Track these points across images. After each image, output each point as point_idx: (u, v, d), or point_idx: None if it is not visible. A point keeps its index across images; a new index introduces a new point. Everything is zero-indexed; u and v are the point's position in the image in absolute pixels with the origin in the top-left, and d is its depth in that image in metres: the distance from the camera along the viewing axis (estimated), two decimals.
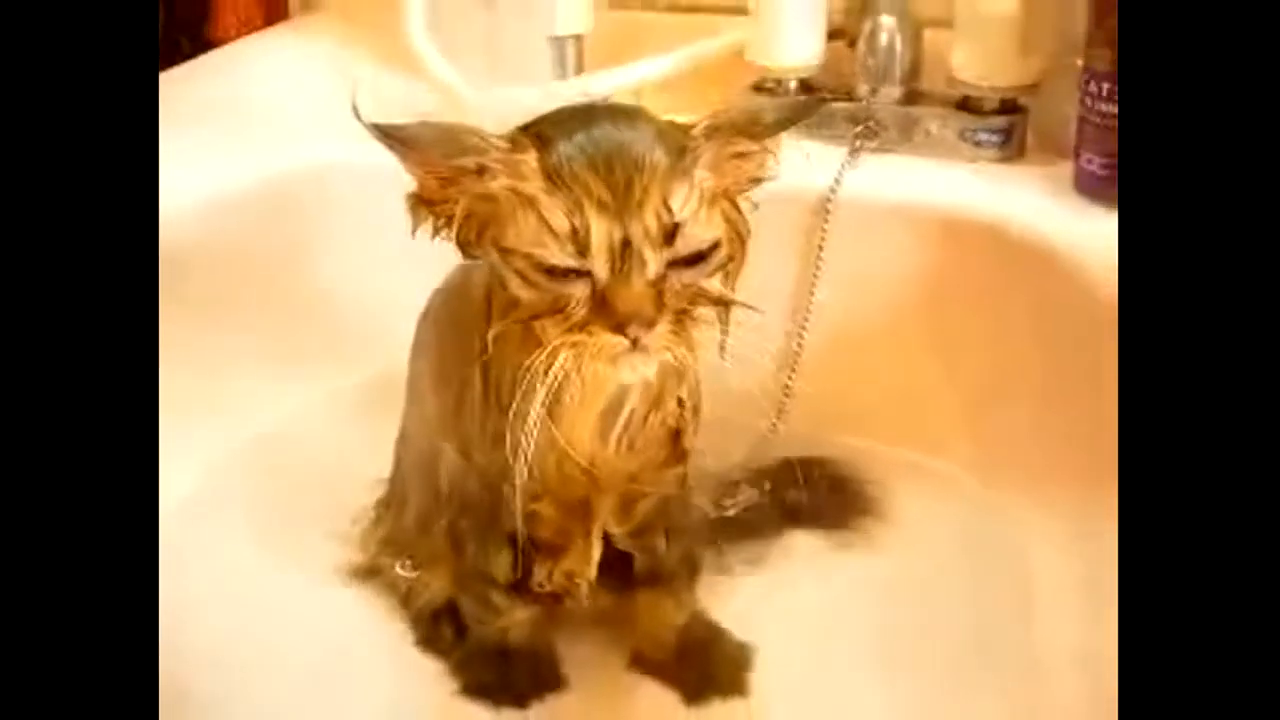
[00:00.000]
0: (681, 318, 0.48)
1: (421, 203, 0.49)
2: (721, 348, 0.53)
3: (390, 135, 0.47)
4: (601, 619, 0.67)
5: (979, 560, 0.72)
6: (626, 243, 0.46)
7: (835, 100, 0.52)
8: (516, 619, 0.64)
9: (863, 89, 0.79)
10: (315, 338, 0.84)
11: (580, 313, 0.46)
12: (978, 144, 0.77)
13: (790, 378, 0.80)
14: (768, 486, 0.78)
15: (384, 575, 0.70)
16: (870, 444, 0.80)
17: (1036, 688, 0.63)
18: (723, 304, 0.50)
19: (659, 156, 0.46)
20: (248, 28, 0.96)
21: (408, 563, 0.69)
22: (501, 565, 0.62)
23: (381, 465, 0.73)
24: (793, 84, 0.81)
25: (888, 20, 0.77)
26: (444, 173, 0.48)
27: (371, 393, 0.80)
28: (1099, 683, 0.59)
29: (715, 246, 0.48)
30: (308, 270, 0.85)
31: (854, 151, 0.78)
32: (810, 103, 0.52)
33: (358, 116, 0.47)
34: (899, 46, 0.77)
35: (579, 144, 0.46)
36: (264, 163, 0.83)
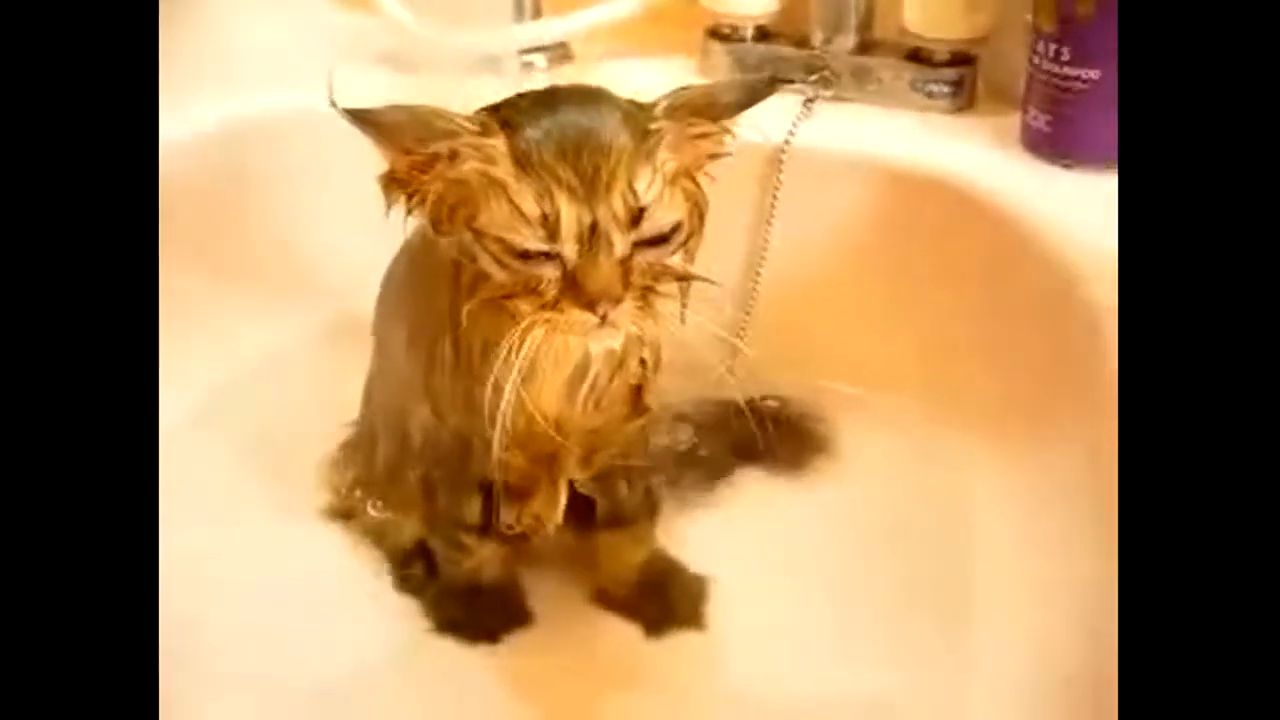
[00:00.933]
0: (646, 293, 0.50)
1: (394, 182, 0.51)
2: (681, 319, 0.55)
3: (364, 121, 0.48)
4: (566, 557, 0.71)
5: (926, 496, 0.76)
6: (594, 226, 0.48)
7: (782, 81, 0.54)
8: (485, 558, 0.67)
9: (818, 37, 0.80)
10: (286, 277, 0.85)
11: (551, 292, 0.49)
12: (929, 95, 0.79)
13: (745, 321, 0.83)
14: (721, 425, 0.81)
15: (356, 516, 0.73)
16: (822, 384, 0.83)
17: (980, 621, 0.67)
18: (685, 279, 0.52)
19: (624, 141, 0.48)
20: None
21: (379, 504, 0.72)
22: (472, 510, 0.65)
23: (349, 407, 0.75)
24: (749, 30, 0.82)
25: None
26: (417, 157, 0.49)
27: (341, 333, 0.82)
28: (1038, 615, 0.64)
29: (678, 227, 0.50)
30: (276, 211, 0.85)
31: (809, 101, 0.79)
32: (767, 83, 0.54)
33: (332, 103, 0.48)
34: None
35: (546, 129, 0.48)
36: (230, 106, 0.83)
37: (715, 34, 0.83)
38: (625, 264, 0.49)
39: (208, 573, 0.69)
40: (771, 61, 0.81)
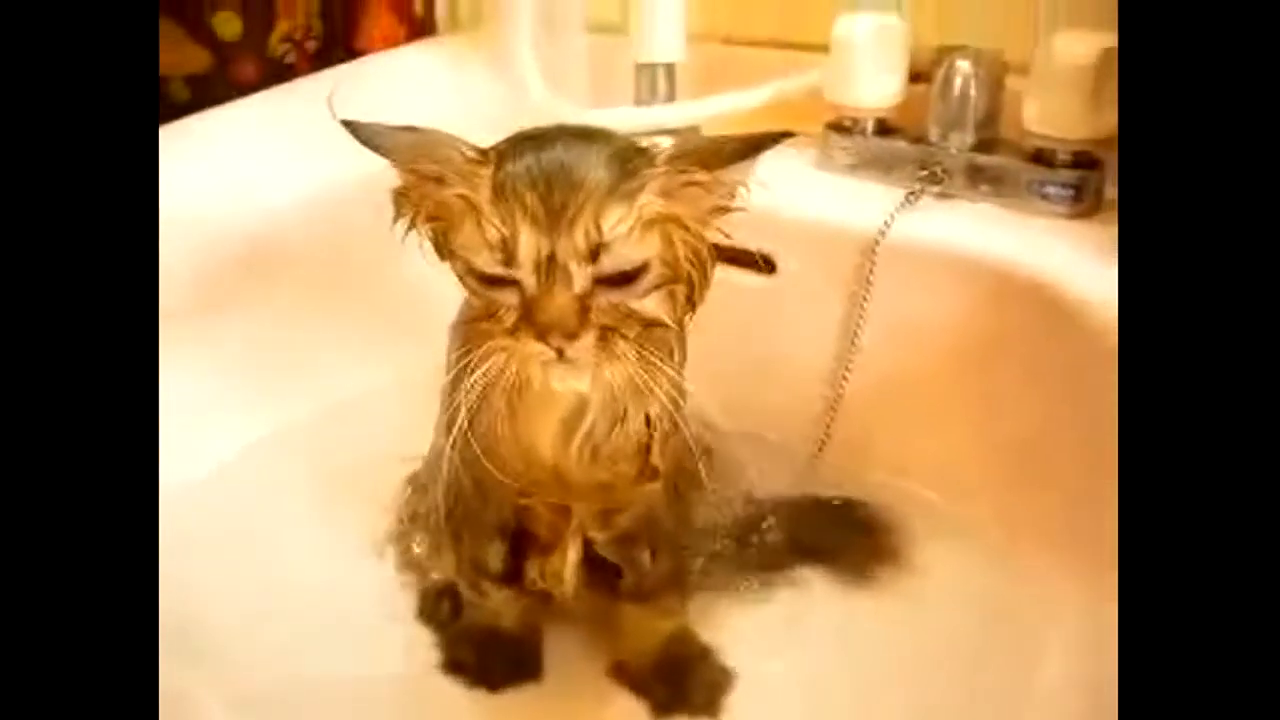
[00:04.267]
0: (609, 334, 0.50)
1: (403, 199, 0.54)
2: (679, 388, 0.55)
3: (362, 136, 0.52)
4: (595, 621, 0.69)
5: (992, 624, 0.70)
6: (553, 257, 0.48)
7: (788, 135, 0.52)
8: (502, 603, 0.67)
9: (935, 133, 0.78)
10: (401, 324, 0.90)
11: (510, 319, 0.50)
12: (1045, 197, 0.74)
13: (831, 415, 0.80)
14: (791, 515, 0.78)
15: (404, 548, 0.75)
16: (902, 486, 0.78)
17: None
18: (652, 324, 0.51)
19: (600, 177, 0.49)
20: (389, 42, 1.05)
21: (424, 539, 0.74)
22: (494, 556, 0.65)
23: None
24: (869, 123, 0.81)
25: (963, 65, 0.76)
26: (414, 176, 0.52)
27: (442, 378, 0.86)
28: None
29: (644, 268, 0.50)
30: (401, 263, 0.91)
31: (912, 195, 0.77)
32: (769, 136, 0.52)
33: (333, 114, 0.52)
34: (973, 92, 0.76)
35: (527, 163, 0.49)
36: (372, 161, 0.90)
37: (836, 127, 0.82)
38: (584, 300, 0.49)
39: (250, 579, 0.73)
40: (885, 156, 0.80)
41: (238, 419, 0.82)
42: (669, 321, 0.52)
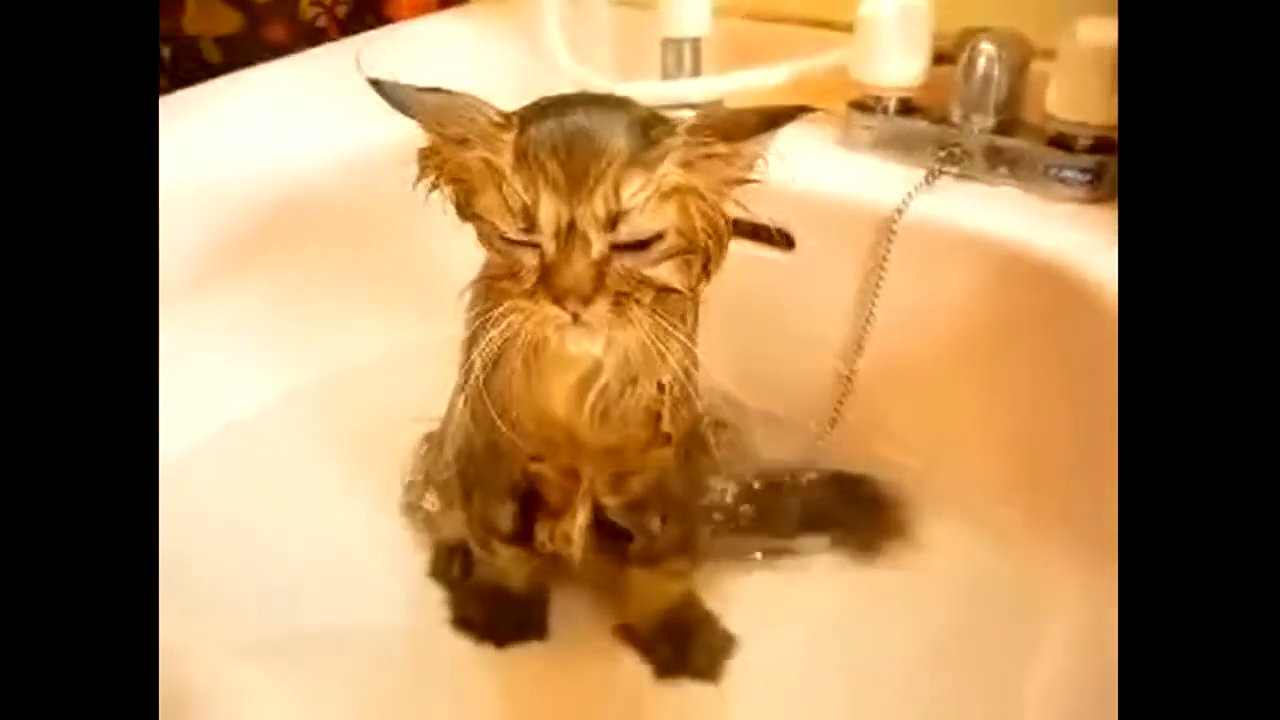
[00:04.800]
0: (623, 300, 0.50)
1: (428, 159, 0.55)
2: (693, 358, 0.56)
3: (389, 96, 0.53)
4: (602, 583, 0.71)
5: (993, 605, 0.71)
6: (573, 224, 0.49)
7: (808, 110, 0.53)
8: (510, 561, 0.69)
9: (957, 114, 0.78)
10: (424, 287, 0.91)
11: (530, 280, 0.51)
12: (1062, 181, 0.74)
13: (843, 391, 0.81)
14: (803, 489, 0.79)
15: (417, 506, 0.77)
16: (911, 463, 0.79)
17: None
18: (665, 290, 0.52)
19: (621, 145, 0.49)
20: (419, 9, 1.05)
21: (437, 497, 0.76)
22: (503, 517, 0.67)
23: None
24: (891, 102, 0.82)
25: (988, 48, 0.76)
26: (439, 137, 0.53)
27: None
28: None
29: (660, 236, 0.51)
30: (425, 227, 0.92)
31: (930, 175, 0.77)
32: (789, 110, 0.53)
33: (360, 72, 0.53)
34: (996, 75, 0.76)
35: (549, 129, 0.50)
36: (399, 127, 0.92)
37: (859, 105, 0.83)
38: (600, 265, 0.50)
39: (261, 533, 0.75)
40: (906, 136, 0.80)
41: (259, 378, 0.84)
42: (683, 290, 0.53)
